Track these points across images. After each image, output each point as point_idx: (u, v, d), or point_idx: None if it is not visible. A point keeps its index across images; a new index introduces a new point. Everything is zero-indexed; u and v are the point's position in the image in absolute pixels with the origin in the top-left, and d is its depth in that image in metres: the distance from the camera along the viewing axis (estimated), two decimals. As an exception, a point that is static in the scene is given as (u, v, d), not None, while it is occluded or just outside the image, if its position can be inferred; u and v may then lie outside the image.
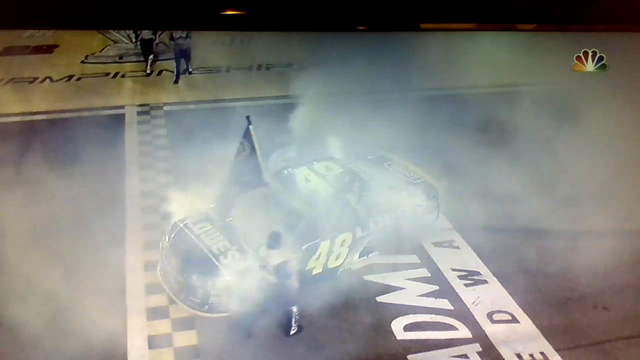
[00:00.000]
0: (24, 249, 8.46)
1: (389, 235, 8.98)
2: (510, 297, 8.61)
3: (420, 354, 7.68)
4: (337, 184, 9.14)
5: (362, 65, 13.24)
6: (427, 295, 8.62)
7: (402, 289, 8.69)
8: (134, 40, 16.06)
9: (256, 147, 8.14)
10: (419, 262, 9.22)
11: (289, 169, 9.47)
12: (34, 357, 7.35)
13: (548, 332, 8.06)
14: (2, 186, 9.78)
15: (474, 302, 8.52)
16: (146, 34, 15.00)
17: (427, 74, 13.68)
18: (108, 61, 15.98)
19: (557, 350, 7.80)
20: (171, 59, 15.16)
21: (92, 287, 8.17)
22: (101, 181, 10.45)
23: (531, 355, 7.75)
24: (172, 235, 8.47)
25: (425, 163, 10.17)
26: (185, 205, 8.95)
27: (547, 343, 7.90)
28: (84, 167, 10.69)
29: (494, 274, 9.00)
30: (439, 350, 7.74)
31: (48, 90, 14.21)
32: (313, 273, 8.34)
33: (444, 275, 9.00)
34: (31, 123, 12.58)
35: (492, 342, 7.90)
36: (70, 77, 14.96)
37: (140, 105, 13.73)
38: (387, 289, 8.65)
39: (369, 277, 8.83)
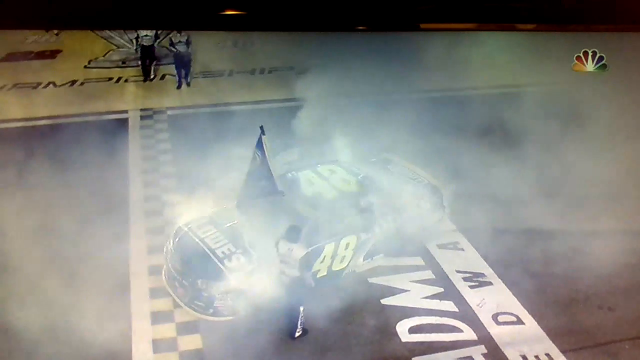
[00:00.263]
0: (27, 252, 8.50)
1: (393, 238, 8.97)
2: (515, 298, 8.58)
3: (425, 356, 7.66)
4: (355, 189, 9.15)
5: (364, 67, 13.28)
6: (432, 297, 8.61)
7: (406, 291, 8.68)
8: (134, 47, 15.95)
9: (267, 157, 8.15)
10: (424, 264, 9.20)
11: (293, 172, 9.48)
12: (39, 362, 7.38)
13: (553, 333, 8.03)
14: (7, 190, 9.81)
15: (478, 304, 8.50)
16: (146, 41, 14.82)
17: (428, 76, 13.71)
18: (111, 66, 16.02)
19: (563, 351, 7.76)
20: (172, 63, 15.11)
21: (96, 291, 8.17)
22: (105, 185, 10.46)
23: (537, 356, 7.72)
24: (177, 239, 8.48)
25: (428, 165, 10.15)
26: (189, 209, 8.98)
27: (553, 344, 7.87)
28: (88, 172, 10.72)
29: (498, 276, 8.98)
30: (444, 353, 7.71)
31: (51, 96, 14.26)
32: (318, 276, 8.32)
33: (448, 277, 8.98)
34: (34, 128, 12.63)
35: (498, 343, 7.87)
36: (73, 82, 15.00)
37: (144, 109, 13.76)
38: (392, 292, 8.64)
39: (373, 280, 8.82)
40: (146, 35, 14.53)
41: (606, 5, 6.95)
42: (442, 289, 8.75)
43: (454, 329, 8.09)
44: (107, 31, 17.57)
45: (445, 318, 8.26)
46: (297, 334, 7.80)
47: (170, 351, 7.62)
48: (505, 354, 7.73)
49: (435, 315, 8.30)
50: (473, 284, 8.87)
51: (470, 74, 13.63)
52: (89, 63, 16.12)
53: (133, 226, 9.76)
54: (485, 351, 7.76)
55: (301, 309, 7.72)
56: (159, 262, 8.76)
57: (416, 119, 10.71)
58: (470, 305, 8.48)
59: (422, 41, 12.20)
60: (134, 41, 15.18)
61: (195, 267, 8.03)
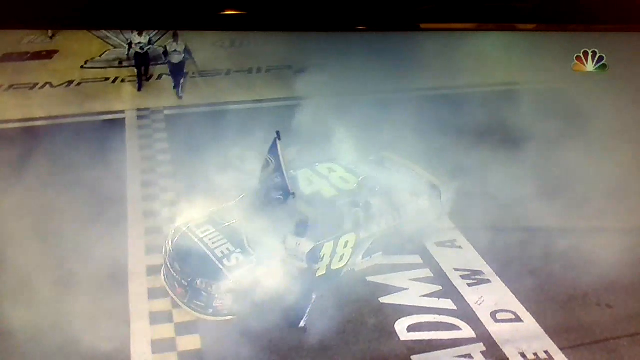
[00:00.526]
0: (24, 253, 8.48)
1: (392, 236, 8.98)
2: (514, 296, 8.60)
3: (424, 355, 7.68)
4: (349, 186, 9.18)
5: (362, 66, 13.28)
6: (430, 295, 8.62)
7: (405, 289, 8.69)
8: (126, 53, 15.27)
9: (282, 163, 8.17)
10: (422, 262, 9.22)
11: (291, 171, 9.45)
12: (38, 363, 7.37)
13: (552, 330, 8.06)
14: (4, 191, 9.79)
15: (477, 302, 8.51)
16: (140, 48, 14.34)
17: (427, 75, 13.70)
18: (108, 66, 15.99)
19: (561, 348, 7.79)
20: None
21: (95, 291, 8.17)
22: (102, 185, 10.44)
23: (535, 354, 7.74)
24: (175, 239, 8.48)
25: (427, 163, 10.14)
26: (187, 208, 8.97)
27: (551, 342, 7.90)
28: (85, 172, 10.70)
29: (497, 273, 9.00)
30: (443, 351, 7.73)
31: (48, 96, 14.23)
32: (317, 275, 8.33)
33: (446, 275, 9.00)
34: (31, 129, 12.60)
35: (496, 341, 7.90)
36: (70, 82, 14.96)
37: (140, 109, 13.73)
38: (390, 290, 8.65)
39: (371, 278, 8.83)
40: (139, 43, 14.23)
41: (606, 5, 6.96)
42: (440, 287, 8.76)
43: (452, 327, 8.11)
44: (104, 31, 17.53)
45: (444, 316, 8.28)
46: (302, 324, 7.84)
47: (169, 351, 7.62)
48: (504, 351, 7.75)
49: (434, 314, 8.31)
50: (471, 282, 8.88)
51: (470, 74, 13.64)
52: (85, 63, 16.09)
53: (131, 226, 9.75)
54: (484, 349, 7.78)
55: (313, 296, 7.83)
56: (158, 262, 8.76)
57: (415, 118, 10.70)
58: (469, 303, 8.50)
59: (421, 40, 12.21)
60: (127, 47, 14.84)
61: (194, 266, 8.03)
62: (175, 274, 8.15)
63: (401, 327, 8.05)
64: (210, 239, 8.32)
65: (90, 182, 10.47)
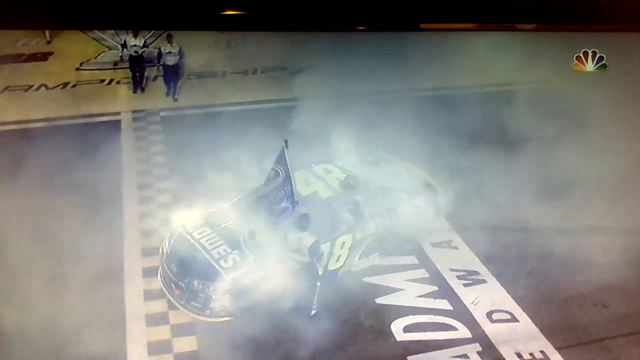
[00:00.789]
0: (20, 255, 8.46)
1: (388, 237, 8.99)
2: (510, 296, 8.62)
3: (420, 355, 7.69)
4: (342, 186, 9.20)
5: (359, 66, 13.26)
6: (427, 295, 8.63)
7: (401, 290, 8.70)
8: (120, 54, 15.05)
9: (291, 173, 8.19)
10: (418, 263, 9.23)
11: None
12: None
13: (548, 330, 8.08)
14: (-1, 194, 9.78)
15: (473, 302, 8.53)
16: (134, 51, 14.04)
17: (425, 75, 13.68)
18: (103, 68, 15.92)
19: (558, 348, 7.81)
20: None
21: (90, 293, 8.15)
22: (98, 188, 10.41)
23: (531, 354, 7.76)
24: (172, 240, 8.48)
25: (424, 163, 10.15)
26: (184, 210, 8.96)
27: (547, 342, 7.92)
28: (81, 174, 10.66)
29: (492, 274, 9.02)
30: (439, 351, 7.75)
31: (43, 98, 14.17)
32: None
33: (442, 275, 9.01)
34: (27, 131, 12.55)
35: (492, 341, 7.91)
36: (65, 84, 14.91)
37: (136, 111, 13.70)
38: (386, 291, 8.66)
39: (367, 279, 8.84)
40: (134, 45, 14.09)
41: (606, 5, 6.99)
42: (436, 288, 8.77)
43: (448, 328, 8.12)
44: (99, 33, 17.48)
45: (440, 317, 8.29)
46: (312, 312, 7.96)
47: (165, 353, 7.61)
48: (500, 351, 7.77)
49: (430, 314, 8.32)
50: (467, 282, 8.90)
51: (469, 74, 13.64)
52: (80, 65, 16.03)
53: (127, 228, 9.73)
54: (480, 349, 7.79)
55: (318, 284, 7.89)
56: (154, 264, 8.75)
57: (412, 118, 10.72)
58: (465, 303, 8.51)
59: (420, 40, 12.20)
60: (120, 47, 14.63)
61: (191, 268, 8.03)
62: (172, 276, 8.15)
63: (397, 328, 8.06)
64: (207, 240, 8.32)
65: (86, 184, 10.43)
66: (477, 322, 8.20)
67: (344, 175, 9.43)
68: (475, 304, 8.49)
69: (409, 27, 7.42)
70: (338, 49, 13.13)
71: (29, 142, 11.87)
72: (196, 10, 6.72)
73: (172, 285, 8.14)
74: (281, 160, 8.30)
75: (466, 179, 10.21)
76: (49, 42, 17.10)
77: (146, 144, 12.37)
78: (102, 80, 15.23)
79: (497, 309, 8.43)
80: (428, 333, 8.02)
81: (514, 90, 13.16)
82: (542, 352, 7.79)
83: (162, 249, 8.54)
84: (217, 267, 7.94)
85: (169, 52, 13.65)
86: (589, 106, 11.15)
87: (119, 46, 14.70)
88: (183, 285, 7.97)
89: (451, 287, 8.79)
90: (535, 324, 8.17)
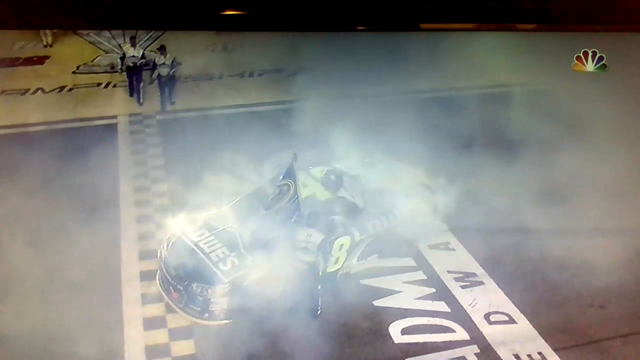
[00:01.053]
0: (17, 259, 8.44)
1: (386, 239, 8.99)
2: (507, 297, 8.63)
3: (418, 357, 7.68)
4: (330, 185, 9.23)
5: (356, 68, 13.27)
6: (424, 298, 8.64)
7: (398, 292, 8.70)
8: (119, 68, 14.70)
9: (298, 186, 8.18)
10: (415, 265, 9.23)
11: (285, 175, 9.46)
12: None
13: (545, 332, 8.08)
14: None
15: (470, 304, 8.53)
16: (132, 62, 13.98)
17: (424, 76, 13.70)
18: (100, 71, 15.92)
19: (555, 349, 7.82)
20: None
21: (88, 297, 8.15)
22: (95, 191, 10.39)
23: (529, 355, 7.77)
24: (171, 243, 8.47)
25: (422, 165, 10.15)
26: (182, 213, 8.96)
27: (545, 343, 7.92)
28: (78, 178, 10.65)
29: (490, 275, 9.02)
30: (437, 353, 7.74)
31: (40, 102, 14.15)
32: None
33: (440, 277, 9.02)
34: (23, 135, 12.53)
35: (490, 343, 7.91)
36: (62, 87, 14.90)
37: (133, 114, 13.69)
38: (384, 293, 8.66)
39: (365, 282, 8.84)
40: (133, 56, 14.06)
41: (606, 5, 7.00)
42: (434, 290, 8.78)
43: (446, 330, 8.12)
44: (95, 36, 17.49)
45: (438, 318, 8.29)
46: (318, 312, 8.01)
47: (163, 357, 7.59)
48: (498, 353, 7.77)
49: (428, 316, 8.32)
50: (465, 284, 8.90)
51: (469, 74, 13.65)
52: (77, 68, 16.01)
53: (124, 232, 9.72)
54: (478, 351, 7.79)
55: (319, 287, 7.94)
56: (151, 267, 8.74)
57: (411, 119, 10.73)
58: (462, 305, 8.52)
59: (419, 41, 12.21)
60: (120, 60, 14.57)
61: (189, 271, 8.02)
62: (170, 279, 8.13)
63: (395, 330, 8.06)
64: (205, 243, 8.31)
65: (83, 188, 10.41)
66: (474, 324, 8.21)
67: (324, 171, 9.42)
68: (473, 306, 8.49)
69: (409, 27, 7.43)
70: (335, 51, 13.15)
71: (26, 146, 11.84)
72: (195, 11, 6.72)
73: (171, 288, 8.12)
74: (291, 173, 8.25)
75: (464, 180, 10.23)
76: (50, 46, 17.06)
77: (143, 147, 12.35)
78: (99, 84, 15.22)
79: (494, 310, 8.43)
80: (426, 335, 8.02)
81: (513, 91, 13.18)
82: (539, 353, 7.79)
83: (160, 252, 8.52)
84: (215, 269, 7.93)
85: (163, 64, 13.66)
86: (589, 106, 11.17)
87: (119, 60, 14.57)
88: (182, 288, 7.95)
89: (449, 289, 8.79)
90: (533, 326, 8.18)
